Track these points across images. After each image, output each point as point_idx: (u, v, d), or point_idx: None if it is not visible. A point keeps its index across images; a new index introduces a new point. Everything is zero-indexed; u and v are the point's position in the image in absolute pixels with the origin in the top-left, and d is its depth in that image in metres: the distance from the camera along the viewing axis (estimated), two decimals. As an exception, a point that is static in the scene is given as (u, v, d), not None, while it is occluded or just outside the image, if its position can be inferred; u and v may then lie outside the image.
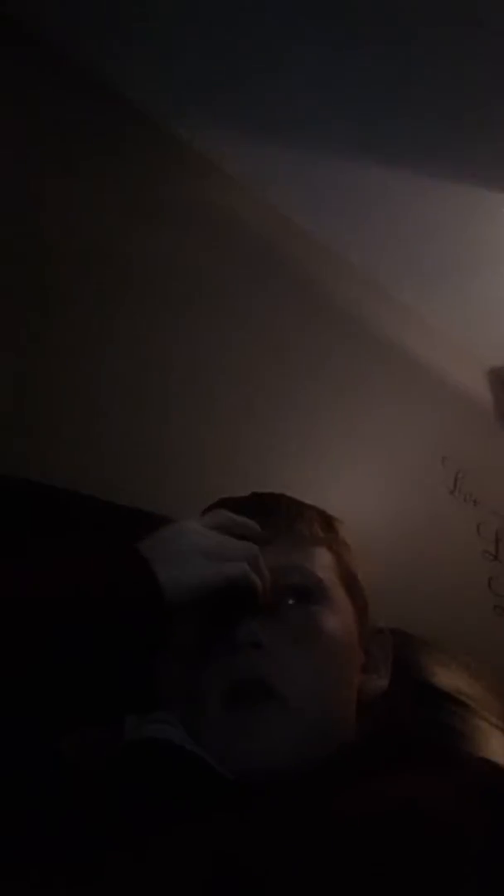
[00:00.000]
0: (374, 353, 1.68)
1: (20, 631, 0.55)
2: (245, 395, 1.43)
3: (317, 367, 1.57)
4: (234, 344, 1.44)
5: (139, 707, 0.66)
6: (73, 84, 1.33)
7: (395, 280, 1.74)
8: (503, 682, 0.94)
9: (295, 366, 1.53)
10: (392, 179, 1.51)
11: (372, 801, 0.51)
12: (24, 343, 1.17)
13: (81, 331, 1.24)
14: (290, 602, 0.65)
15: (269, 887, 0.46)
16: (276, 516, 0.69)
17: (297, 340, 1.55)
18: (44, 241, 1.23)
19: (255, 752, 0.58)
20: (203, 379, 1.37)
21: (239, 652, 0.61)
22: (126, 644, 0.58)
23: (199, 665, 0.64)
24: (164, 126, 1.44)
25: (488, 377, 1.88)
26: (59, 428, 1.15)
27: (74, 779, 0.60)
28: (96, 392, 1.22)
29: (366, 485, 1.61)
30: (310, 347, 1.57)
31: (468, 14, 1.17)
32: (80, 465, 1.10)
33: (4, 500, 0.76)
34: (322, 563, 0.69)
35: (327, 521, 0.74)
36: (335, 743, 0.61)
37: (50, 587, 0.57)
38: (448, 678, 0.79)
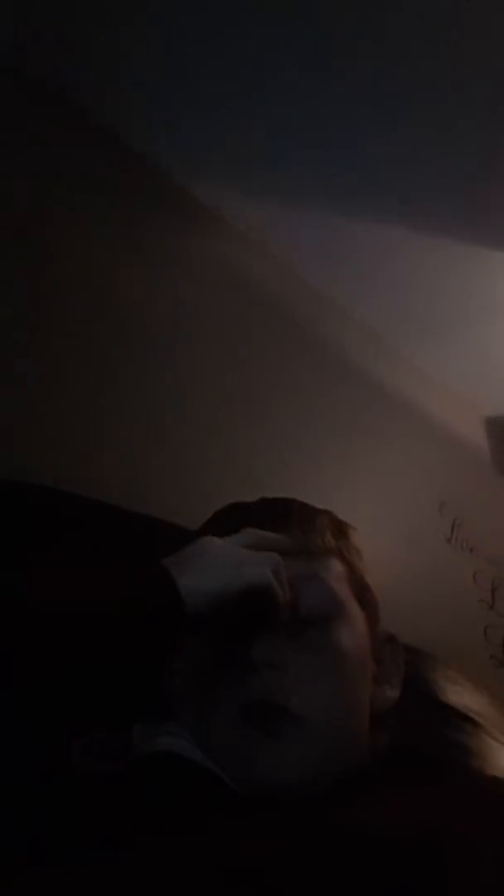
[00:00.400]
0: (374, 400, 1.71)
1: (42, 637, 0.55)
2: (244, 436, 1.45)
3: (316, 413, 1.60)
4: (234, 387, 1.47)
5: (148, 716, 0.65)
6: (73, 127, 1.38)
7: (395, 331, 1.78)
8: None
9: (295, 411, 1.56)
10: (395, 234, 1.56)
11: (388, 820, 0.51)
12: (27, 349, 1.19)
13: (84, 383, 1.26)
14: (305, 618, 0.64)
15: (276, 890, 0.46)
16: (288, 524, 0.68)
17: (298, 387, 1.58)
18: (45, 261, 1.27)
19: (269, 772, 0.57)
20: (203, 418, 1.39)
21: (254, 671, 0.60)
22: (144, 650, 0.57)
23: (212, 681, 0.63)
24: (168, 177, 1.49)
25: (485, 426, 1.91)
26: (63, 435, 1.16)
27: (82, 785, 0.59)
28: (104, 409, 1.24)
29: (363, 529, 1.61)
30: (310, 394, 1.60)
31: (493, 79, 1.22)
32: (85, 475, 1.09)
33: (12, 504, 0.76)
34: (335, 573, 0.68)
35: (339, 528, 0.73)
36: (349, 758, 0.61)
37: (72, 594, 0.57)
38: (458, 695, 0.79)
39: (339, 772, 0.58)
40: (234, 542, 0.64)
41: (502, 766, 0.72)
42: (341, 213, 1.53)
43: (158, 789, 0.56)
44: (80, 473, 0.97)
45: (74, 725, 0.63)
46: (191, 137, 1.43)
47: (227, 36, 1.24)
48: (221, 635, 0.64)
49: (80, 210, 1.33)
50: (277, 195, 1.52)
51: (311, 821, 0.52)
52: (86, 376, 1.21)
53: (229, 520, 0.69)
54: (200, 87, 1.34)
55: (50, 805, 0.56)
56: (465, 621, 1.75)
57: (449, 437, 1.84)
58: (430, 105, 1.31)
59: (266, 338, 1.56)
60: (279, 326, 1.59)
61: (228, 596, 0.59)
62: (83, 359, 1.24)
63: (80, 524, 0.70)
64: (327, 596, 0.66)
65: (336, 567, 0.68)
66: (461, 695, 0.80)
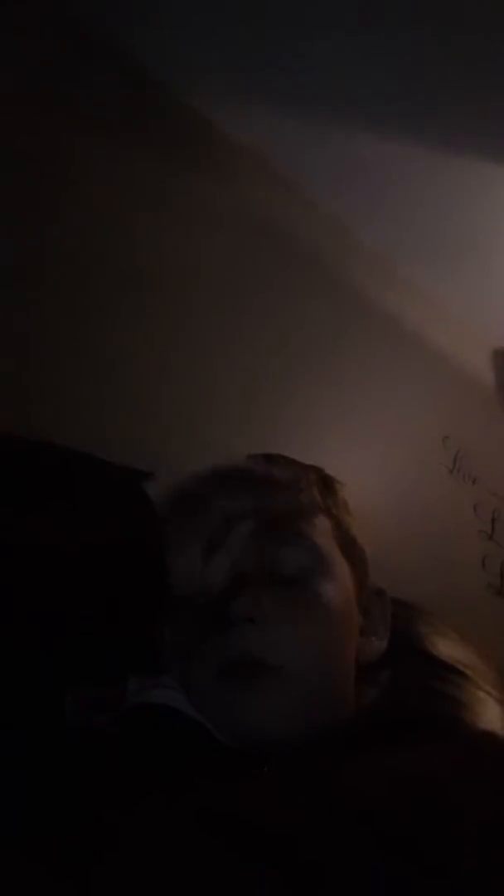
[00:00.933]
0: (380, 329, 1.68)
1: (28, 574, 0.56)
2: (246, 368, 1.43)
3: (319, 341, 1.57)
4: (235, 318, 1.43)
5: (143, 669, 0.66)
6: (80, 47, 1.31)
7: (404, 257, 1.73)
8: (494, 658, 0.96)
9: (297, 339, 1.53)
10: (408, 155, 1.49)
11: (379, 772, 0.52)
12: (26, 311, 1.16)
13: (84, 304, 1.23)
14: (286, 572, 0.65)
15: (269, 846, 0.46)
16: (274, 480, 0.69)
17: (299, 314, 1.54)
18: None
19: (251, 724, 0.58)
20: (203, 351, 1.37)
21: (233, 627, 0.61)
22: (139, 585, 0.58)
23: (195, 637, 0.63)
24: (176, 93, 1.41)
25: (493, 358, 1.88)
26: (61, 393, 1.15)
27: (75, 735, 0.60)
28: (99, 359, 1.22)
29: (365, 460, 1.61)
30: (312, 321, 1.56)
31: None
32: (81, 430, 1.09)
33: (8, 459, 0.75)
34: (320, 529, 0.68)
35: (326, 484, 0.73)
36: (336, 708, 0.62)
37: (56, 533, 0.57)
38: (447, 647, 0.80)
39: (325, 723, 0.59)
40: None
41: (490, 718, 0.74)
42: (348, 130, 1.45)
43: (150, 741, 0.57)
44: (77, 423, 0.96)
45: (69, 676, 0.64)
46: (191, 50, 1.35)
47: None
48: (206, 591, 0.64)
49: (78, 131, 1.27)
50: (283, 111, 1.44)
51: (299, 773, 0.53)
52: (81, 313, 1.19)
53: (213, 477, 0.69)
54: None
55: (42, 757, 0.57)
56: (464, 551, 1.78)
57: (455, 369, 1.81)
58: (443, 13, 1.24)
59: (268, 262, 1.51)
60: (282, 250, 1.53)
61: (192, 479, 0.63)
62: (80, 290, 1.21)
63: (70, 478, 0.70)
64: (311, 553, 0.66)
65: (322, 522, 0.69)
66: (450, 646, 0.81)
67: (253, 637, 0.60)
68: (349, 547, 0.70)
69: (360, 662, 0.67)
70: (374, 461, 1.62)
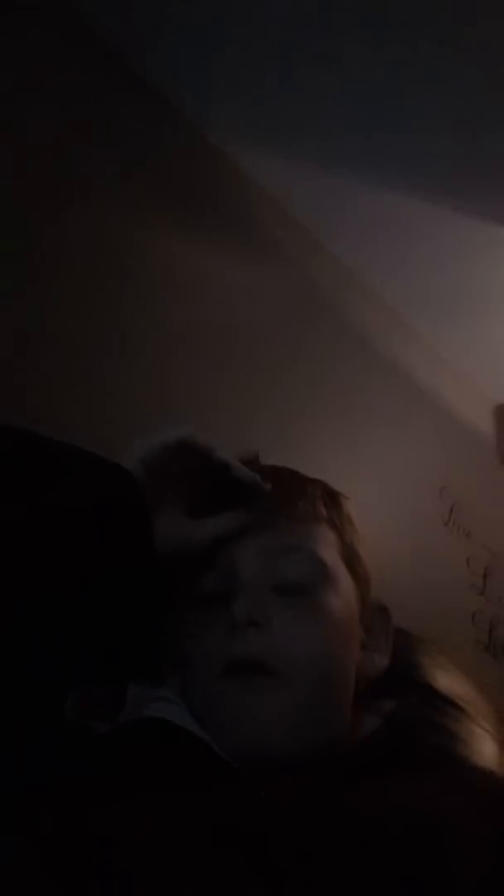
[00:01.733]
0: (384, 376, 1.71)
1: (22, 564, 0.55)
2: (247, 402, 1.44)
3: (323, 383, 1.59)
4: (239, 352, 1.45)
5: (144, 677, 0.65)
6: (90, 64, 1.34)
7: (413, 307, 1.77)
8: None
9: (301, 379, 1.55)
10: (422, 209, 1.54)
11: (377, 804, 0.51)
12: (24, 298, 1.16)
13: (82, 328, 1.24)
14: (291, 582, 0.64)
15: (270, 861, 0.46)
16: (278, 490, 0.68)
17: (305, 353, 1.57)
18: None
19: (251, 730, 0.57)
20: (205, 381, 1.37)
21: (236, 630, 0.60)
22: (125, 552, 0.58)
23: (195, 638, 0.63)
24: (194, 127, 1.46)
25: (494, 413, 1.91)
26: (59, 386, 1.14)
27: (74, 741, 0.59)
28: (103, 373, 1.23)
29: (361, 503, 1.61)
30: (318, 362, 1.59)
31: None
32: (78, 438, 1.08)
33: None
34: (324, 540, 0.67)
35: (331, 497, 0.72)
36: (335, 722, 0.61)
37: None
38: (447, 681, 0.80)
39: (321, 734, 0.58)
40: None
41: (487, 754, 0.73)
42: (373, 182, 1.51)
43: (148, 756, 0.56)
44: (76, 428, 0.96)
45: (70, 679, 0.63)
46: (222, 91, 1.40)
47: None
48: (206, 593, 0.64)
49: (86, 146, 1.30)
50: (310, 159, 1.50)
51: (300, 799, 0.52)
52: (88, 332, 1.19)
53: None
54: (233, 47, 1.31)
55: (40, 760, 0.56)
56: (455, 605, 1.77)
57: (456, 422, 1.83)
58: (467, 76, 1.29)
59: (279, 301, 1.54)
60: (293, 290, 1.57)
61: (160, 449, 0.62)
62: (84, 313, 1.22)
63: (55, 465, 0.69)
64: (313, 563, 0.65)
65: (326, 535, 0.68)
66: (448, 679, 0.80)
67: (256, 641, 0.60)
68: (352, 560, 0.69)
69: (360, 678, 0.66)
70: (370, 503, 1.62)
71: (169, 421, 1.22)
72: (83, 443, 0.80)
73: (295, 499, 0.68)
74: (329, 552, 0.67)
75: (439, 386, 1.80)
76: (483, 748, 0.73)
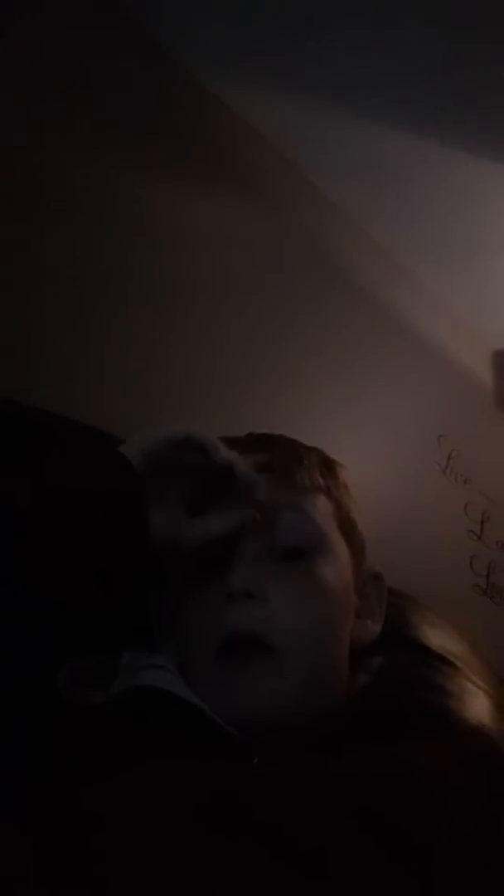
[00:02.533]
0: (382, 323, 1.67)
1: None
2: (248, 352, 1.42)
3: (320, 332, 1.56)
4: (237, 305, 1.42)
5: (137, 642, 0.66)
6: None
7: (410, 253, 1.73)
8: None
9: (298, 329, 1.52)
10: (421, 151, 1.49)
11: (372, 764, 0.52)
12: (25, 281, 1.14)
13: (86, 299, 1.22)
14: (286, 551, 0.64)
15: (262, 833, 0.47)
16: (275, 460, 0.68)
17: (300, 303, 1.54)
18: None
19: (249, 705, 0.57)
20: (204, 340, 1.36)
21: (233, 601, 0.60)
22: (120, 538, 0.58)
23: (192, 612, 0.63)
24: (192, 71, 1.40)
25: (492, 360, 1.89)
26: (60, 370, 1.13)
27: (66, 712, 0.60)
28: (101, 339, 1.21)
29: (360, 453, 1.61)
30: (314, 312, 1.56)
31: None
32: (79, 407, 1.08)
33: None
34: (321, 510, 0.67)
35: (327, 465, 0.72)
36: (330, 692, 0.61)
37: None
38: (437, 638, 0.81)
39: (318, 706, 0.59)
40: None
41: (479, 709, 0.75)
42: (360, 121, 1.45)
43: (141, 724, 0.57)
44: (75, 400, 0.95)
45: (64, 648, 0.64)
46: (210, 34, 1.35)
47: None
48: (201, 564, 0.64)
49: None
50: (302, 104, 1.44)
51: (295, 763, 0.53)
52: (84, 293, 1.18)
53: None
54: None
55: (33, 732, 0.57)
56: (453, 550, 1.79)
57: (454, 368, 1.81)
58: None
59: (273, 251, 1.50)
60: (289, 238, 1.53)
61: (166, 444, 0.61)
62: (83, 270, 1.20)
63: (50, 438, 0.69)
64: (310, 529, 0.66)
65: (322, 503, 0.68)
66: (441, 637, 0.82)
67: (252, 614, 0.60)
68: (349, 529, 0.69)
69: (354, 645, 0.67)
70: (368, 452, 1.61)
71: (163, 384, 1.25)
72: (80, 408, 0.81)
73: (292, 468, 0.68)
74: (326, 521, 0.67)
75: (437, 332, 1.78)
76: (476, 704, 0.75)
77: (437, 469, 1.78)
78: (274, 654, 0.59)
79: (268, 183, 1.52)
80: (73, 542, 0.57)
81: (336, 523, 0.69)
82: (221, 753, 0.54)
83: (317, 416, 1.52)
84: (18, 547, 0.55)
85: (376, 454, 1.62)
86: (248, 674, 0.59)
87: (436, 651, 0.78)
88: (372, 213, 1.65)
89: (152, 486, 0.60)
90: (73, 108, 1.22)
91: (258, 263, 1.47)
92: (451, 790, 0.50)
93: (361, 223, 1.67)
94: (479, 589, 1.80)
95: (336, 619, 0.65)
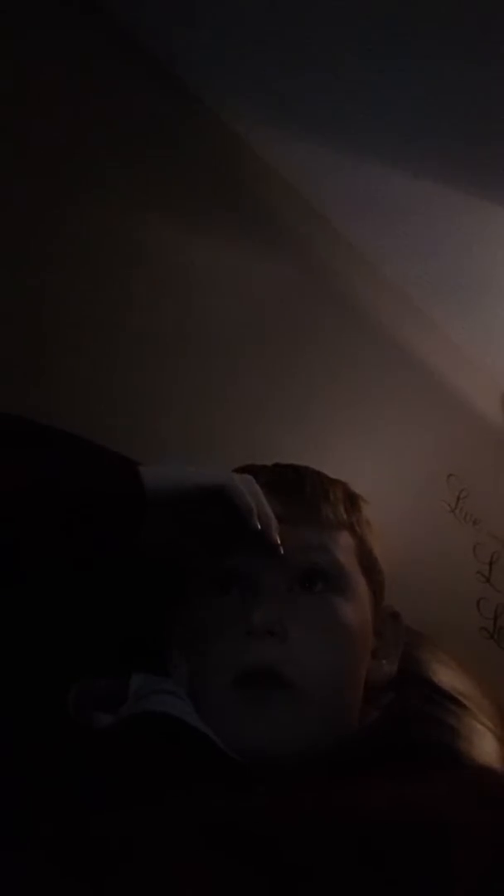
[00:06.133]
0: (392, 361, 1.69)
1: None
2: (253, 389, 1.42)
3: (330, 368, 1.57)
4: (253, 337, 1.43)
5: (148, 667, 0.65)
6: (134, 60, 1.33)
7: (423, 292, 1.75)
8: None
9: (308, 364, 1.53)
10: (434, 192, 1.51)
11: (378, 798, 0.51)
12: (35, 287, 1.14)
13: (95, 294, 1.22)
14: (308, 587, 0.63)
15: (266, 856, 0.46)
16: (301, 493, 0.67)
17: (311, 338, 1.55)
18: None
19: (262, 738, 0.57)
20: (216, 368, 1.36)
21: (253, 637, 0.60)
22: (108, 540, 0.58)
23: (209, 642, 0.62)
24: (213, 107, 1.43)
25: (503, 401, 1.89)
26: (68, 376, 1.14)
27: (75, 735, 0.59)
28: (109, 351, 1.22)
29: (368, 490, 1.61)
30: (325, 347, 1.57)
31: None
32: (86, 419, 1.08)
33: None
34: (344, 546, 0.67)
35: (352, 500, 0.71)
36: (340, 731, 0.60)
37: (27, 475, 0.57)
38: (447, 676, 0.79)
39: (330, 741, 0.59)
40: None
41: (487, 750, 0.73)
42: (387, 166, 1.48)
43: (149, 750, 0.56)
44: (82, 411, 0.96)
45: (72, 670, 0.63)
46: (241, 73, 1.38)
47: None
48: (220, 593, 0.63)
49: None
50: (326, 143, 1.47)
51: (300, 791, 0.52)
52: (91, 317, 1.18)
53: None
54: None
55: (44, 756, 0.56)
56: (461, 592, 1.77)
57: (465, 408, 1.81)
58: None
59: (285, 286, 1.52)
60: (300, 274, 1.55)
61: (189, 487, 0.61)
62: (84, 299, 1.20)
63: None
64: (333, 567, 0.65)
65: (345, 539, 0.68)
66: (450, 676, 0.80)
67: (272, 650, 0.59)
68: (370, 566, 0.69)
69: (369, 684, 0.66)
70: (376, 490, 1.60)
71: (172, 413, 1.25)
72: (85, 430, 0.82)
73: (317, 501, 0.67)
74: (348, 557, 0.66)
75: (448, 372, 1.79)
76: (483, 744, 0.73)
77: (446, 508, 1.77)
78: (292, 690, 0.58)
79: (283, 220, 1.55)
80: (72, 549, 0.57)
81: (357, 560, 0.68)
82: (228, 780, 0.54)
83: (325, 448, 1.51)
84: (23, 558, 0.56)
85: (385, 491, 1.60)
86: (265, 706, 0.58)
87: (445, 689, 0.77)
88: (385, 252, 1.67)
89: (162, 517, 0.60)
90: (74, 133, 1.22)
91: (273, 298, 1.49)
92: (462, 825, 0.49)
93: (375, 262, 1.69)
94: (485, 632, 1.78)
95: (353, 658, 0.64)
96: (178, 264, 1.34)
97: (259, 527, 0.62)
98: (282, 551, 0.63)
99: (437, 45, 1.24)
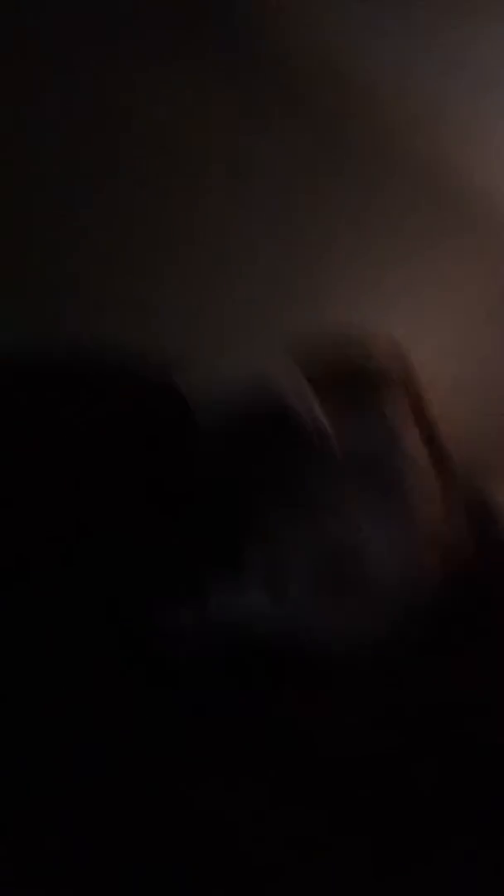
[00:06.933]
0: (433, 183, 1.54)
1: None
2: (301, 227, 1.38)
3: (368, 210, 1.48)
4: (279, 181, 1.36)
5: (225, 566, 0.64)
6: None
7: (452, 97, 1.56)
8: None
9: (350, 206, 1.45)
10: None
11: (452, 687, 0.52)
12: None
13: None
14: (365, 454, 0.62)
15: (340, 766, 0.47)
16: (349, 354, 0.69)
17: (348, 178, 1.46)
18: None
19: (344, 620, 0.58)
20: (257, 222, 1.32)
21: (327, 517, 0.60)
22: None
23: (287, 530, 0.62)
24: None
25: None
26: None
27: (157, 667, 0.60)
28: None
29: (434, 318, 1.51)
30: (360, 183, 1.47)
31: None
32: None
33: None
34: (395, 405, 0.67)
35: (399, 356, 0.73)
36: (414, 597, 0.61)
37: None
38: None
39: (404, 611, 0.58)
40: None
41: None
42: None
43: (232, 672, 0.58)
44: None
45: (148, 585, 0.63)
46: None
47: None
48: (289, 486, 0.62)
49: None
50: None
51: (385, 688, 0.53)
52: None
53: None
54: None
55: (124, 690, 0.58)
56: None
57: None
58: None
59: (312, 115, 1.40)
60: (325, 106, 1.42)
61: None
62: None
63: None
64: (385, 431, 0.65)
65: (396, 397, 0.67)
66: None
67: (348, 532, 0.60)
68: (423, 420, 0.68)
69: (434, 536, 0.65)
70: (441, 319, 1.52)
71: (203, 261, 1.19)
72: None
73: (364, 360, 0.69)
74: (400, 416, 0.67)
75: (491, 179, 1.63)
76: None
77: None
78: (367, 568, 0.60)
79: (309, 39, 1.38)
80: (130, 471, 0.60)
81: (411, 416, 0.68)
82: (312, 685, 0.54)
83: (378, 288, 1.43)
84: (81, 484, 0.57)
85: (450, 316, 1.52)
86: (345, 590, 0.59)
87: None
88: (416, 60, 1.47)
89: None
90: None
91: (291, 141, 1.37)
92: None
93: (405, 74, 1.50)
94: None
95: (420, 517, 0.64)
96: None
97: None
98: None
99: None
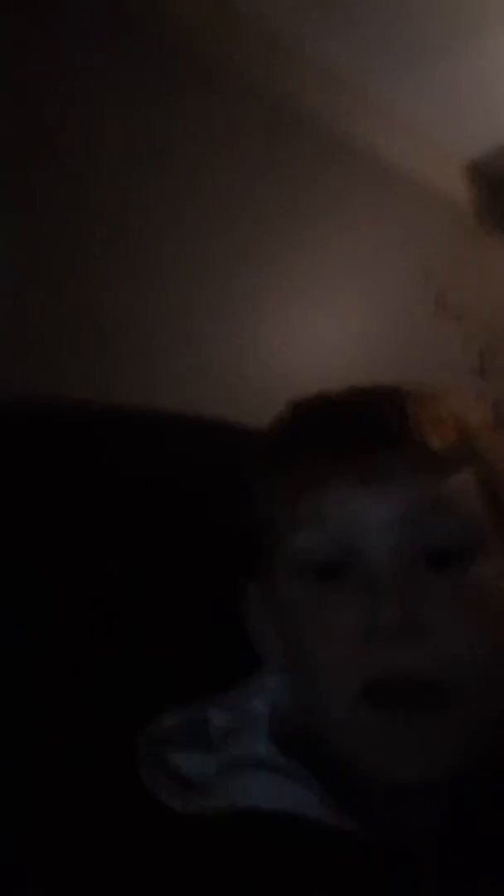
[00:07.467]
0: (342, 158, 1.50)
1: None
2: (212, 215, 1.31)
3: (275, 180, 1.41)
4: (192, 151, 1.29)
5: (228, 681, 0.52)
6: None
7: (356, 68, 1.50)
8: None
9: (254, 179, 1.38)
10: None
11: None
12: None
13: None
14: (441, 550, 0.47)
15: None
16: (402, 430, 0.48)
17: (254, 150, 1.38)
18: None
19: (412, 764, 0.44)
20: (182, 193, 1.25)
21: (379, 635, 0.45)
22: None
23: (311, 636, 0.48)
24: None
25: (467, 174, 1.70)
26: None
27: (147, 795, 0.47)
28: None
29: (345, 307, 1.50)
30: (263, 156, 1.40)
31: None
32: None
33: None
34: (467, 489, 0.48)
35: (466, 421, 0.51)
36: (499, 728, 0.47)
37: None
38: None
39: (487, 747, 0.46)
40: None
41: None
42: None
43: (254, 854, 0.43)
44: None
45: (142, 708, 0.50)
46: None
47: None
48: (317, 567, 0.48)
49: None
50: None
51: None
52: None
53: (306, 428, 0.50)
54: None
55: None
56: (457, 392, 1.68)
57: (429, 194, 1.64)
58: None
59: (221, 91, 1.33)
60: (233, 75, 1.36)
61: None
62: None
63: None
64: (460, 526, 0.48)
65: (467, 478, 0.49)
66: None
67: (409, 651, 0.45)
68: (500, 506, 0.50)
69: None
70: (353, 306, 1.51)
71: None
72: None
73: (421, 436, 0.48)
74: (473, 503, 0.49)
75: (403, 155, 1.59)
76: None
77: (429, 311, 1.64)
78: (439, 696, 0.44)
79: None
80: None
81: (484, 505, 0.49)
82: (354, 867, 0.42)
83: (292, 274, 1.39)
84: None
85: (362, 303, 1.50)
86: (408, 724, 0.44)
87: None
88: (317, 34, 1.40)
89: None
90: None
91: (211, 108, 1.31)
92: None
93: (306, 47, 1.42)
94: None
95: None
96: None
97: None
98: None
99: None
